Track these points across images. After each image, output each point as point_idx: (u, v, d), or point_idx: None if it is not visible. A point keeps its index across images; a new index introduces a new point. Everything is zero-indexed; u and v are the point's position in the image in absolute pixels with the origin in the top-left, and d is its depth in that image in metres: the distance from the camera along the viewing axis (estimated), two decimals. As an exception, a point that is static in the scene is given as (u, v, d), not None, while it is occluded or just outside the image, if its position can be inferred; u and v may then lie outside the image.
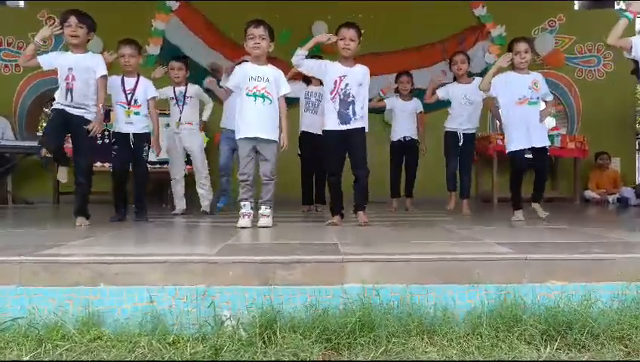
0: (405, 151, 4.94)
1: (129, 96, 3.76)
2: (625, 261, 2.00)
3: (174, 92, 4.41)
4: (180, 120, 4.39)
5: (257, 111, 3.17)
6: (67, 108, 3.28)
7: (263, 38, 3.17)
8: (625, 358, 1.55)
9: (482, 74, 6.74)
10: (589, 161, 6.63)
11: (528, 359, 1.50)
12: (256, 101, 3.17)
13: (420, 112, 4.94)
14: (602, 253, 2.08)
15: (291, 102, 4.85)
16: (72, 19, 3.22)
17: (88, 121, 3.31)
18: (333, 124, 3.31)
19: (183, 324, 1.77)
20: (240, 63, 4.18)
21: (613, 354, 1.55)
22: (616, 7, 7.54)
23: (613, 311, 1.80)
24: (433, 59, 6.88)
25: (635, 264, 1.98)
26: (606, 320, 1.72)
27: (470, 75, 4.51)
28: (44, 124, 7.04)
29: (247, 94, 3.18)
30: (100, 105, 3.33)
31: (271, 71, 3.25)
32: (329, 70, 3.31)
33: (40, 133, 7.14)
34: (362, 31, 3.31)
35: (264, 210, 3.22)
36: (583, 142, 6.44)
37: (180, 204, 4.42)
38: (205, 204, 4.43)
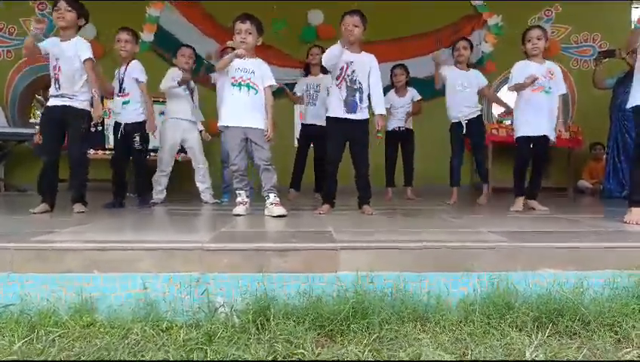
0: (400, 141, 4.94)
1: (119, 86, 3.75)
2: (616, 250, 2.01)
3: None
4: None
5: (244, 101, 3.15)
6: (56, 100, 3.27)
7: (250, 33, 3.14)
8: (615, 345, 1.57)
9: (478, 63, 6.79)
10: (582, 152, 6.65)
11: (520, 345, 1.51)
12: (241, 90, 3.14)
13: (419, 100, 4.92)
14: (594, 241, 2.10)
15: (281, 92, 4.88)
16: (62, 3, 3.22)
17: (77, 110, 3.29)
18: (338, 111, 3.29)
19: (176, 311, 1.78)
20: (224, 50, 4.17)
21: (604, 340, 1.57)
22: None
23: (604, 298, 1.82)
24: (428, 48, 6.84)
25: (626, 252, 2.00)
26: (597, 307, 1.73)
27: (468, 66, 4.46)
28: (39, 117, 6.96)
29: (233, 84, 3.16)
30: (94, 91, 3.27)
31: (257, 64, 3.22)
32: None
33: (32, 121, 7.09)
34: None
35: (273, 198, 3.12)
36: (577, 132, 6.45)
37: (161, 194, 4.21)
38: (207, 197, 4.32)
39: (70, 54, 3.25)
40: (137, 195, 3.98)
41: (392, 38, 6.69)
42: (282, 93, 4.84)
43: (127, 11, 6.13)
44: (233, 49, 3.20)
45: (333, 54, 3.22)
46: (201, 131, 4.41)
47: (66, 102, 3.26)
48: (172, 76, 4.19)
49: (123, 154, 3.83)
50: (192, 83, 4.35)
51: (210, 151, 4.62)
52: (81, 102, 3.31)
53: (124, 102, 3.75)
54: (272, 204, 3.11)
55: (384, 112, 3.37)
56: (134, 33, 3.85)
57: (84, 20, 3.37)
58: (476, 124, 4.35)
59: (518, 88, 3.63)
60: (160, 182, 4.20)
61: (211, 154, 4.59)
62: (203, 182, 4.35)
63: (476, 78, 4.40)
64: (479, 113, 4.39)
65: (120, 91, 3.78)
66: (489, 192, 4.42)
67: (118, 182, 3.83)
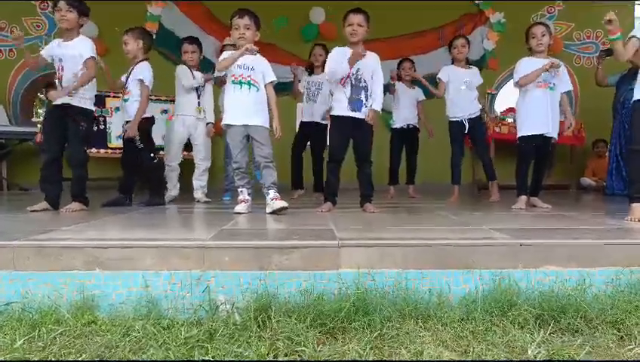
0: (406, 139, 4.93)
1: (124, 84, 3.75)
2: (619, 247, 2.01)
3: (193, 77, 4.21)
4: (199, 104, 4.24)
5: (243, 99, 3.14)
6: (59, 99, 3.29)
7: (248, 28, 3.12)
8: (618, 342, 1.56)
9: (480, 60, 6.77)
10: (585, 149, 6.63)
11: (522, 343, 1.50)
12: (241, 88, 3.14)
13: (422, 100, 4.96)
14: (597, 238, 2.09)
15: (284, 90, 4.87)
16: (62, 3, 3.23)
17: (78, 108, 3.30)
18: (343, 109, 3.28)
19: (177, 309, 1.78)
20: (224, 48, 4.14)
21: (607, 338, 1.56)
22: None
23: (606, 296, 1.81)
24: (431, 45, 6.83)
25: (629, 250, 1.99)
26: (600, 304, 1.73)
27: (468, 62, 4.48)
28: (42, 117, 6.96)
29: (233, 82, 3.15)
30: (78, 82, 3.23)
31: (257, 59, 3.20)
32: (342, 57, 3.25)
33: (34, 119, 7.10)
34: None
35: (273, 194, 3.12)
36: (580, 129, 6.43)
37: (174, 190, 4.24)
38: (199, 195, 4.30)
39: (74, 53, 3.27)
40: (149, 192, 3.96)
41: (392, 36, 6.66)
42: (283, 90, 4.82)
43: (128, 10, 6.12)
44: (233, 45, 3.18)
45: (341, 73, 3.21)
46: (207, 123, 4.37)
47: (67, 100, 3.27)
48: (187, 74, 4.20)
49: (128, 152, 3.81)
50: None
51: (211, 151, 4.59)
52: (81, 101, 3.32)
53: (124, 100, 3.75)
54: (272, 199, 3.10)
55: (379, 109, 3.33)
56: (139, 31, 3.79)
57: (85, 18, 3.37)
58: (479, 122, 4.37)
59: (528, 81, 3.54)
60: (170, 178, 4.22)
61: (212, 155, 4.56)
62: (199, 180, 4.36)
63: (476, 76, 4.42)
64: (480, 112, 4.39)
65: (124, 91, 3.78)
66: (497, 189, 4.40)
67: (123, 180, 3.83)
